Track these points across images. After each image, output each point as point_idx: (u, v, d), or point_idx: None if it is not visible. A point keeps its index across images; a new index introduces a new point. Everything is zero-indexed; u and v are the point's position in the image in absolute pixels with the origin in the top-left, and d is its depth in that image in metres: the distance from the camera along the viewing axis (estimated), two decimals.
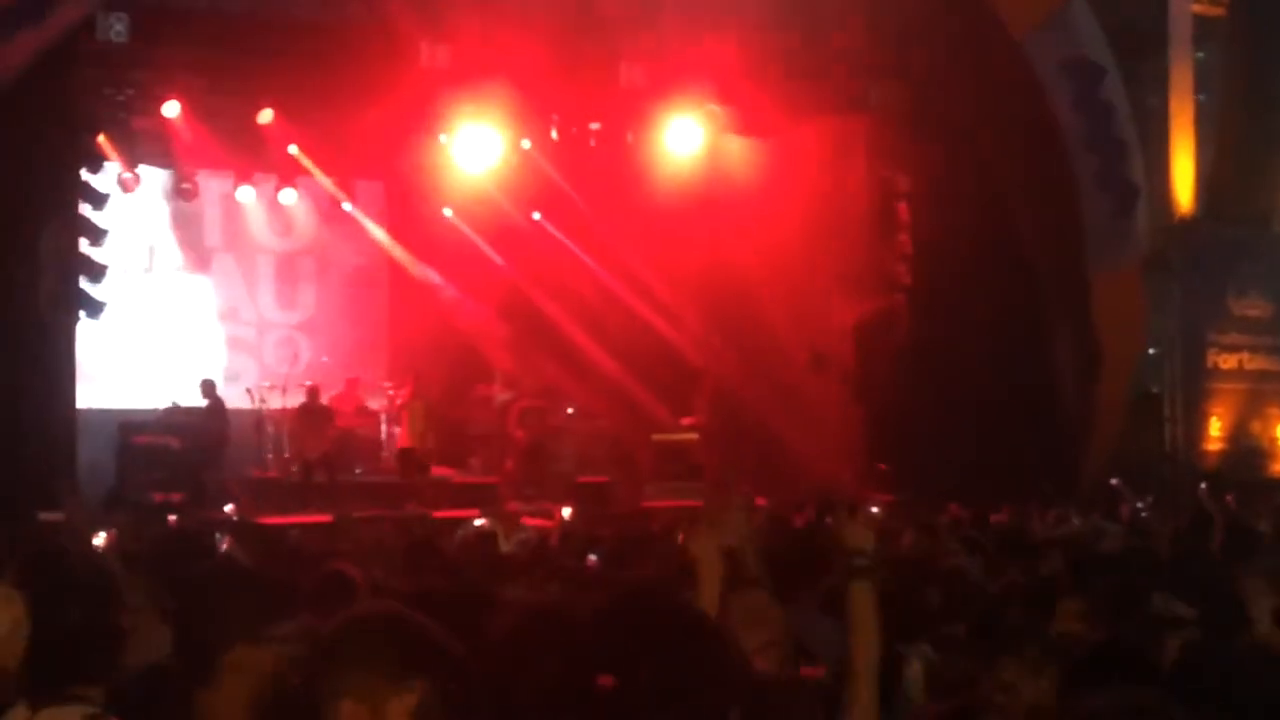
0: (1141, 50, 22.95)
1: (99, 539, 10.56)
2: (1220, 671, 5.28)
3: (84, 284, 18.90)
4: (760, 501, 15.24)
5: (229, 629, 4.33)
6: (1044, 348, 20.70)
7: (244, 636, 4.29)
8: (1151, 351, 23.28)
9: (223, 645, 4.28)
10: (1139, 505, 15.39)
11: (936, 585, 7.54)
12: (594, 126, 22.15)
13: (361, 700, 3.19)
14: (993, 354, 20.27)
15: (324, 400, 21.41)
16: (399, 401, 21.86)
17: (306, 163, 22.57)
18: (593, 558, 9.78)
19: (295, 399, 21.41)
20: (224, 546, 8.67)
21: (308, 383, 21.55)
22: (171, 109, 20.50)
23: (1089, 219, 20.20)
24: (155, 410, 21.19)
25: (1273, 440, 23.95)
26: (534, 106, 21.04)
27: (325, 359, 23.54)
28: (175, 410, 21.07)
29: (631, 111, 21.77)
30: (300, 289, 24.58)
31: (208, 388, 21.36)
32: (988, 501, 14.92)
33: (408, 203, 24.16)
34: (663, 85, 20.75)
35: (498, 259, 23.75)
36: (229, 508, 18.23)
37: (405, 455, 21.08)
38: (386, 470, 21.74)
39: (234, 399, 21.87)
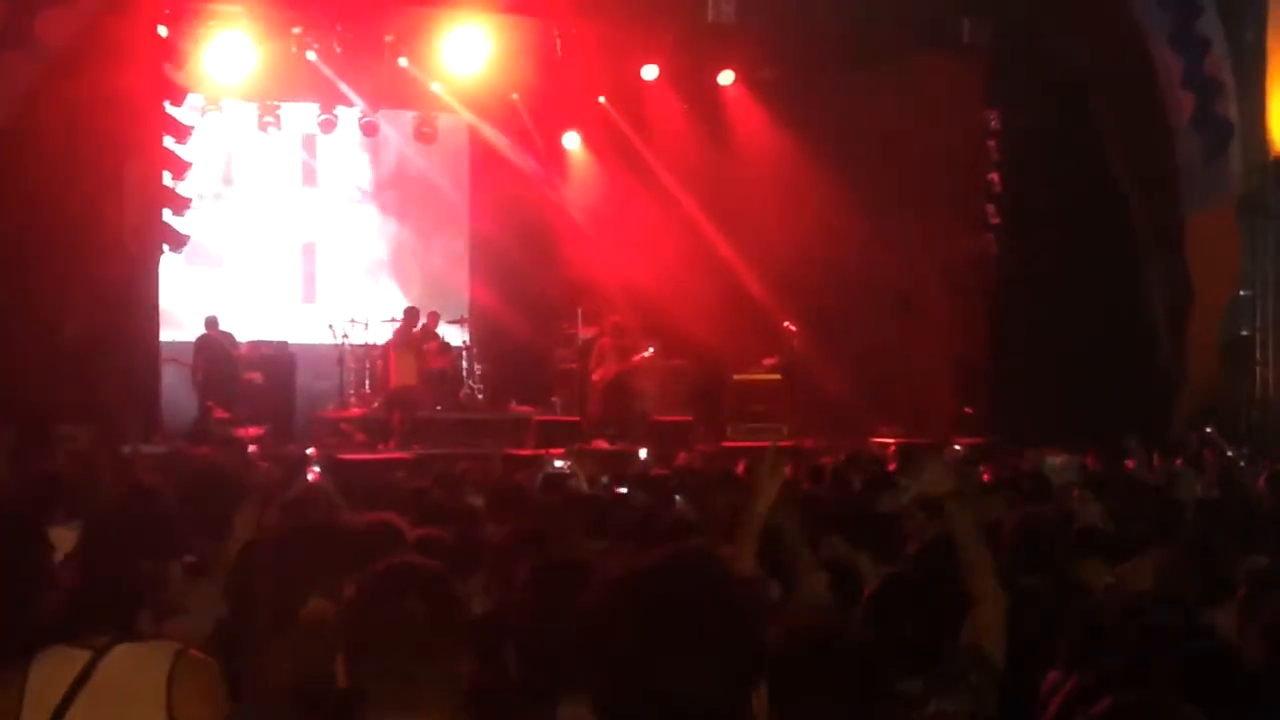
0: None
1: None
2: None
3: (167, 217, 18.92)
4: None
5: (304, 584, 4.23)
6: (1136, 289, 20.35)
7: (319, 591, 4.19)
8: (1243, 294, 22.76)
9: (297, 600, 4.18)
10: (1232, 455, 14.97)
11: None
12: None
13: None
14: (1083, 295, 19.95)
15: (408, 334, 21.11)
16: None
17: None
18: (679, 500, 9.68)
19: (378, 334, 21.36)
20: (311, 479, 8.60)
21: (393, 319, 21.40)
22: (255, 39, 20.45)
23: (1183, 158, 19.81)
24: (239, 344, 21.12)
25: None
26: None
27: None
28: (258, 345, 21.01)
29: (716, 49, 21.57)
30: (382, 221, 24.47)
31: (210, 323, 20.53)
32: (1076, 445, 14.70)
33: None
34: (747, 20, 20.49)
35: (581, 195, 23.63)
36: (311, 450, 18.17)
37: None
38: (468, 407, 21.67)
39: (316, 334, 21.88)
